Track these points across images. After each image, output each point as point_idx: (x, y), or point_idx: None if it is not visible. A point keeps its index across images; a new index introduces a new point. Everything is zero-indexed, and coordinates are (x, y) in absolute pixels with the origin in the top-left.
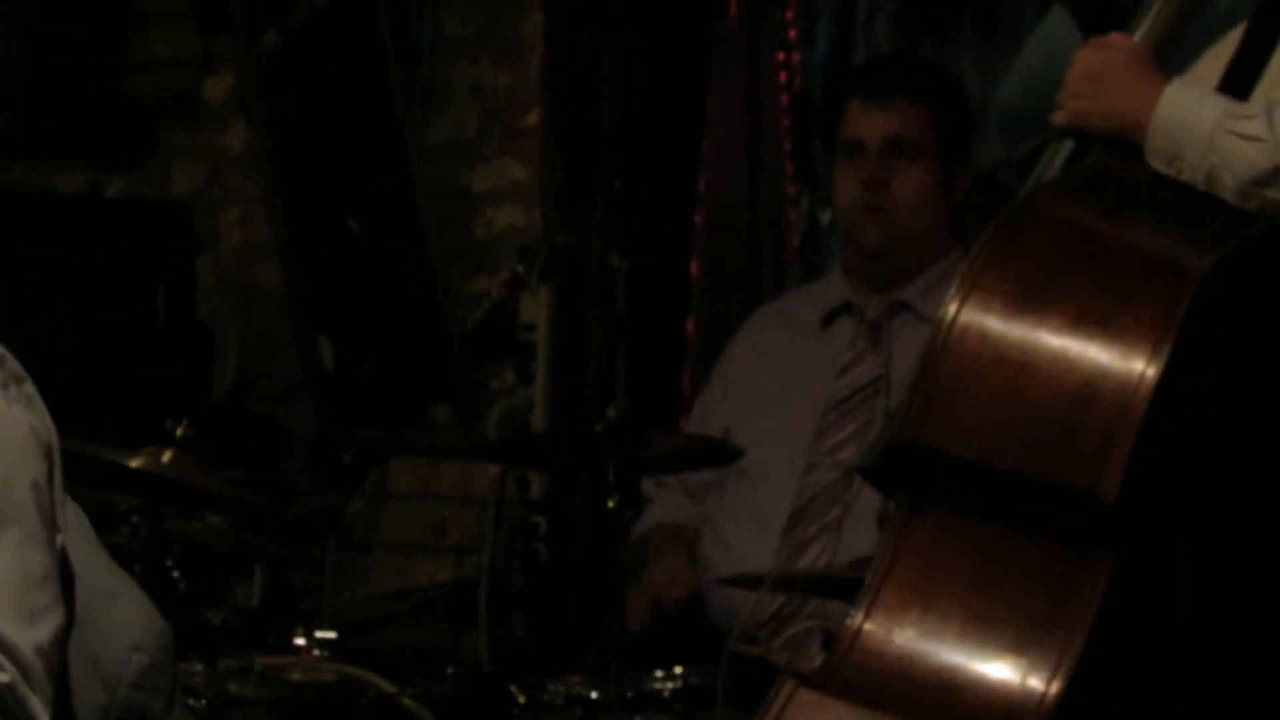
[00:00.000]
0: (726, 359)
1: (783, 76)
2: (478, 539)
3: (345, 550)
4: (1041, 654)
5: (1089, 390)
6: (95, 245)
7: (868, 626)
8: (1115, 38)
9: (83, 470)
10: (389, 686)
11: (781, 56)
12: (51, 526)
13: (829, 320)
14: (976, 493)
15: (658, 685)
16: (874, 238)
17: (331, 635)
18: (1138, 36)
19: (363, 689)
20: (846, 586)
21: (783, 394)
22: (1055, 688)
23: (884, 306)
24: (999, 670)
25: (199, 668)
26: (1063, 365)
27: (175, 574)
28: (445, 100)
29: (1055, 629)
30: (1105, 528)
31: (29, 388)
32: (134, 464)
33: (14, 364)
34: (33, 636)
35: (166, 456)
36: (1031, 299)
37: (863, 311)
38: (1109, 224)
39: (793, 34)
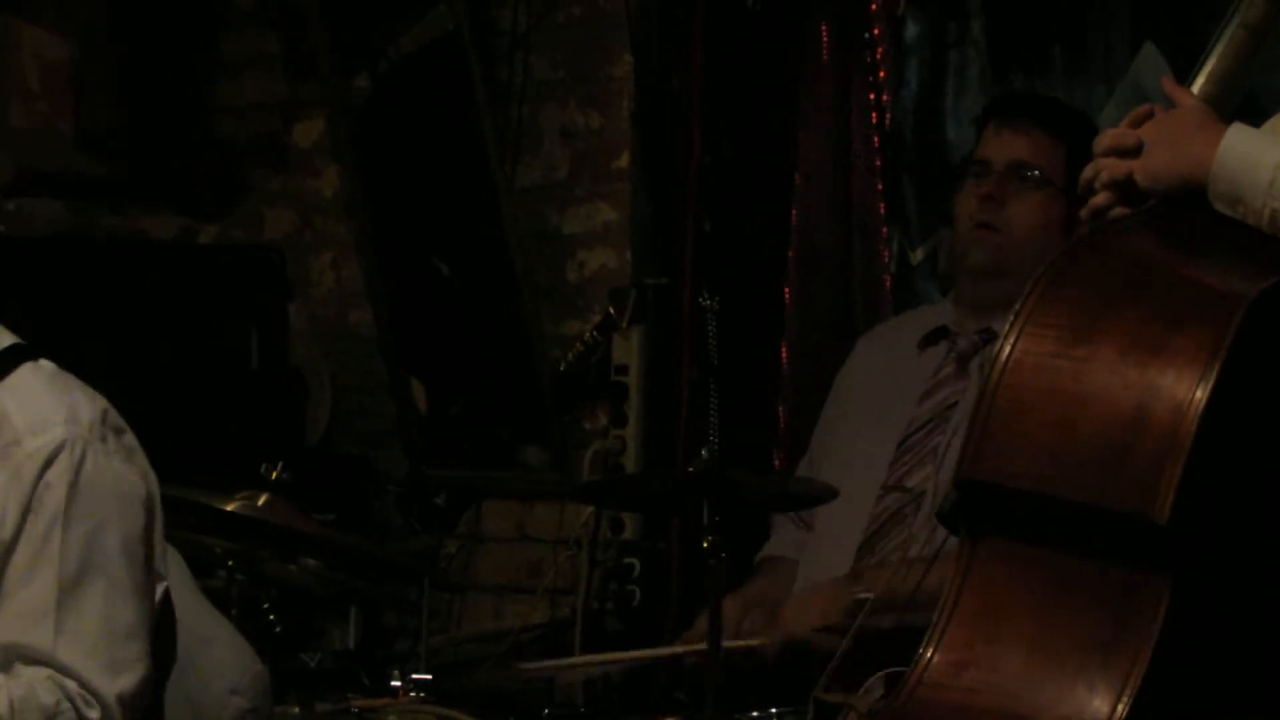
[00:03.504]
0: (841, 377)
1: (874, 116)
2: (571, 580)
3: (440, 592)
4: (1105, 678)
5: (1139, 415)
6: (188, 291)
7: (934, 661)
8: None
9: (179, 515)
10: None
11: (872, 96)
12: (147, 579)
13: (925, 343)
14: (1034, 524)
15: None
16: (981, 257)
17: (427, 677)
18: (1197, 85)
19: None
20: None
21: (873, 416)
22: (1121, 710)
23: (975, 334)
24: (1063, 696)
25: (296, 710)
26: (1114, 392)
27: (271, 617)
28: (535, 143)
29: (1119, 652)
30: (1163, 549)
31: (130, 439)
32: (229, 508)
33: (115, 416)
34: (116, 686)
35: (261, 500)
36: (1083, 329)
37: (956, 338)
38: (1165, 255)
39: (883, 74)
